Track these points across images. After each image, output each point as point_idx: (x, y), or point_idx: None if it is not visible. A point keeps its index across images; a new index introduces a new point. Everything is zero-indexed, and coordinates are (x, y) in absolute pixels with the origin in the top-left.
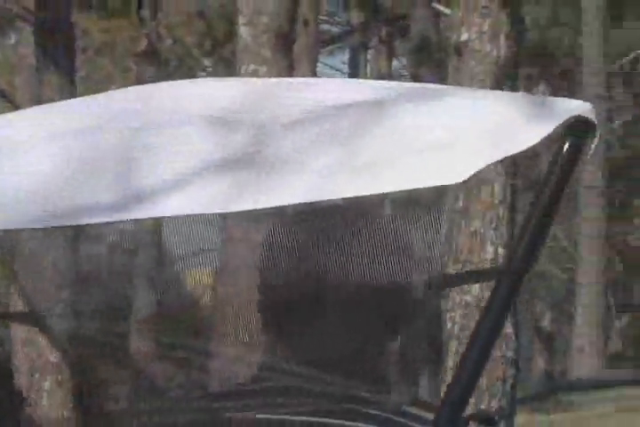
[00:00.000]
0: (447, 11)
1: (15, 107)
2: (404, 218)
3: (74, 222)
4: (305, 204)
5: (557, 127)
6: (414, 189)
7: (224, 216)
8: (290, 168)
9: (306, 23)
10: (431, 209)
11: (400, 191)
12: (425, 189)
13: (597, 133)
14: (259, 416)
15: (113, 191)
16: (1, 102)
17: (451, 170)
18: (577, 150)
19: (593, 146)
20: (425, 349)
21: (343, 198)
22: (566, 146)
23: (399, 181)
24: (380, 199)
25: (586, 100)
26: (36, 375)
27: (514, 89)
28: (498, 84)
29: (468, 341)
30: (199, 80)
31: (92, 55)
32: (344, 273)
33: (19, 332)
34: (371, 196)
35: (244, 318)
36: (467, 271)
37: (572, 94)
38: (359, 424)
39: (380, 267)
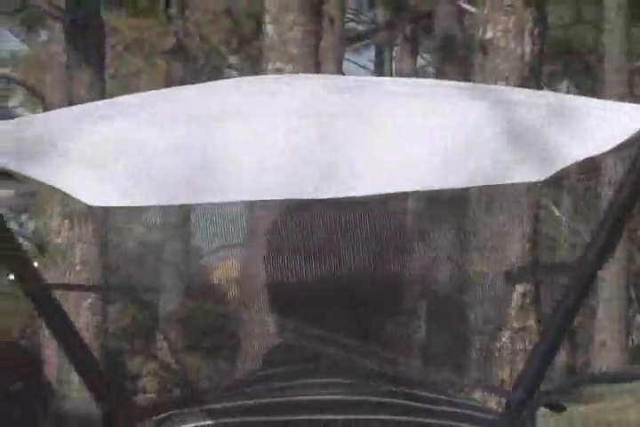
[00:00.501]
0: (472, 9)
1: (45, 103)
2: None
3: (210, 200)
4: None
5: (638, 132)
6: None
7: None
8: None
9: (331, 21)
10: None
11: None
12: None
13: None
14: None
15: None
16: (31, 98)
17: (536, 167)
18: None
19: None
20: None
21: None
22: None
23: (478, 177)
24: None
25: (608, 96)
26: (65, 367)
27: (538, 86)
28: (522, 81)
29: (542, 330)
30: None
31: (121, 52)
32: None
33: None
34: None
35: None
36: (540, 265)
37: (594, 92)
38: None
39: (456, 258)
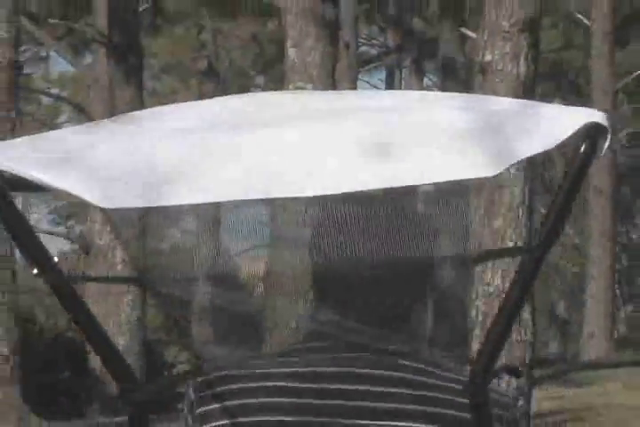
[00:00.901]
0: (472, 34)
1: (90, 119)
2: (452, 204)
3: (216, 200)
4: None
5: (579, 129)
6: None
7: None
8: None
9: (347, 45)
10: (465, 199)
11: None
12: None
13: (609, 136)
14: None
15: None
16: (78, 115)
17: (486, 164)
18: (593, 150)
19: (605, 146)
20: (457, 314)
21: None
22: (584, 146)
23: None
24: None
25: None
26: None
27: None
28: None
29: (499, 307)
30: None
31: (158, 73)
32: (396, 249)
33: None
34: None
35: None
36: (499, 249)
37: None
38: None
39: (428, 244)
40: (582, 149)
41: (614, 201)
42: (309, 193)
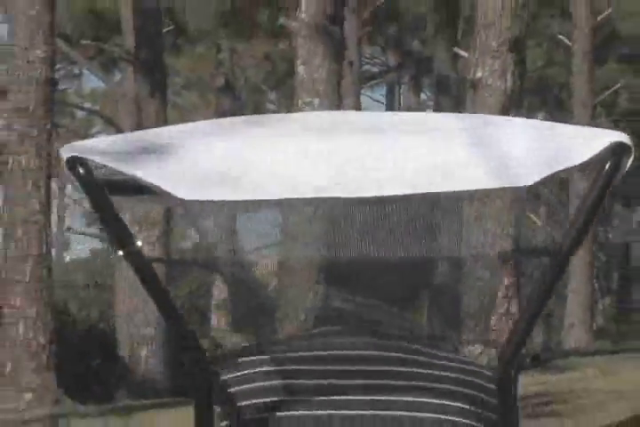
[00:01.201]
0: (465, 54)
1: (119, 130)
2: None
3: (298, 196)
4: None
5: (605, 148)
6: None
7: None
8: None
9: (351, 64)
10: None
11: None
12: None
13: (632, 155)
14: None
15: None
16: (108, 127)
17: (522, 175)
18: (617, 167)
19: (629, 163)
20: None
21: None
22: (609, 164)
23: (481, 181)
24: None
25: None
26: (135, 346)
27: (518, 116)
28: (504, 113)
29: (527, 301)
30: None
31: (180, 89)
32: (410, 246)
33: (121, 310)
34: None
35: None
36: (526, 248)
37: (564, 121)
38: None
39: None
40: (608, 165)
41: None
42: (390, 192)
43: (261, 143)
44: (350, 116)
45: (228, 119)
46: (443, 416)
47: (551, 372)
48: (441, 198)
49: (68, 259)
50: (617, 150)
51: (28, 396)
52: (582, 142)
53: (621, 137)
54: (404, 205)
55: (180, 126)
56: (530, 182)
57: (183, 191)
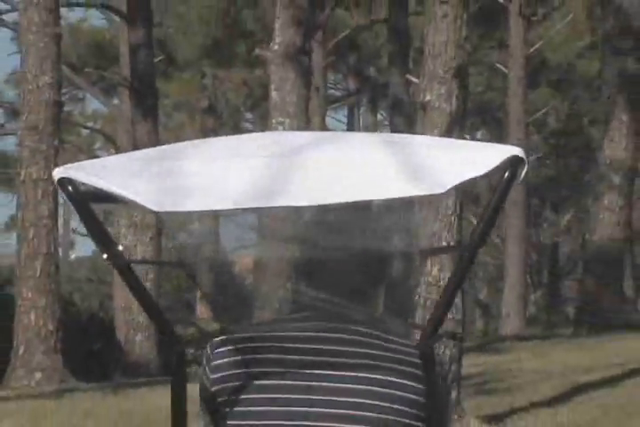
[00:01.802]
0: (416, 80)
1: (117, 147)
2: (402, 213)
3: (270, 204)
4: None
5: (504, 160)
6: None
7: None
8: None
9: (317, 89)
10: (413, 209)
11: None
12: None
13: (526, 166)
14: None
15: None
16: (107, 144)
17: (438, 184)
18: (514, 176)
19: (523, 173)
20: (406, 294)
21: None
22: (507, 173)
23: (402, 190)
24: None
25: (512, 142)
26: (131, 332)
27: (462, 133)
28: (450, 131)
29: (443, 290)
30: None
31: (170, 111)
32: (360, 244)
33: (119, 301)
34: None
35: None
36: (441, 246)
37: (501, 138)
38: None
39: (386, 243)
40: (506, 175)
41: (526, 210)
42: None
43: (211, 163)
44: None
45: (182, 144)
46: (382, 390)
47: (489, 354)
48: (392, 206)
49: (72, 257)
50: (513, 162)
51: (38, 375)
52: (484, 156)
53: (517, 151)
54: (359, 213)
55: (149, 150)
56: (443, 190)
57: (153, 205)
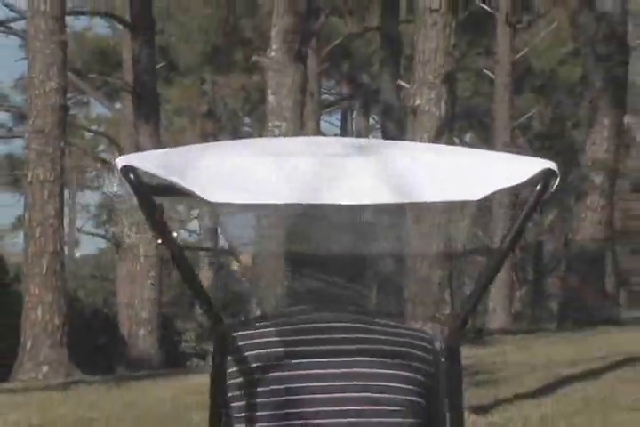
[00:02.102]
0: (406, 85)
1: (120, 149)
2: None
3: (316, 201)
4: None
5: (538, 173)
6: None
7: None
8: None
9: (312, 94)
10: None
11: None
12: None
13: (558, 179)
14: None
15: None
16: (111, 146)
17: (474, 192)
18: (546, 187)
19: (555, 185)
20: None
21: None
22: (539, 185)
23: (437, 194)
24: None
25: (498, 144)
26: (134, 327)
27: (451, 136)
28: (439, 134)
29: (472, 289)
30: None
31: (171, 115)
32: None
33: (122, 297)
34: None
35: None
36: (473, 248)
37: (487, 141)
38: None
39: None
40: (539, 186)
41: (512, 210)
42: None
43: (264, 161)
44: (320, 140)
45: (236, 141)
46: (388, 371)
47: (477, 347)
48: (430, 209)
49: (78, 255)
50: (547, 174)
51: (45, 368)
52: (520, 167)
53: (550, 165)
54: (393, 215)
55: (205, 145)
56: (480, 197)
57: (209, 195)
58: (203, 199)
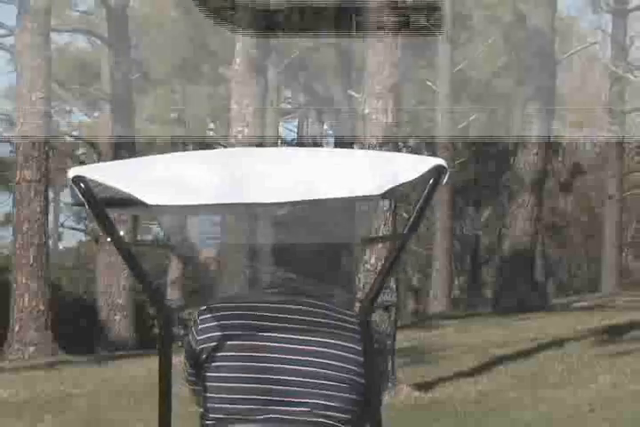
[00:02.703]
0: (356, 94)
1: (99, 153)
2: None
3: (243, 201)
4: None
5: (430, 169)
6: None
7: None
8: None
9: (271, 103)
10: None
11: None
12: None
13: (447, 173)
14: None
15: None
16: (90, 150)
17: (377, 187)
18: (437, 182)
19: (445, 179)
20: (350, 273)
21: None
22: (432, 180)
23: (348, 191)
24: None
25: (440, 148)
26: (111, 312)
27: (396, 142)
28: (386, 139)
29: (378, 272)
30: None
31: (144, 122)
32: (317, 234)
33: (100, 286)
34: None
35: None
36: (381, 235)
37: (429, 146)
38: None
39: (335, 232)
40: (431, 181)
41: (451, 207)
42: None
43: (201, 168)
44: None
45: (178, 153)
46: (330, 351)
47: (419, 331)
48: (340, 203)
49: (61, 247)
50: (438, 170)
51: (31, 349)
52: (413, 165)
53: (440, 161)
54: (315, 208)
55: (152, 156)
56: (378, 193)
57: (148, 199)
58: (143, 202)
